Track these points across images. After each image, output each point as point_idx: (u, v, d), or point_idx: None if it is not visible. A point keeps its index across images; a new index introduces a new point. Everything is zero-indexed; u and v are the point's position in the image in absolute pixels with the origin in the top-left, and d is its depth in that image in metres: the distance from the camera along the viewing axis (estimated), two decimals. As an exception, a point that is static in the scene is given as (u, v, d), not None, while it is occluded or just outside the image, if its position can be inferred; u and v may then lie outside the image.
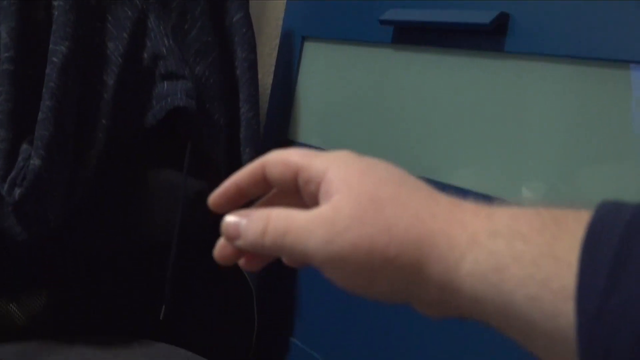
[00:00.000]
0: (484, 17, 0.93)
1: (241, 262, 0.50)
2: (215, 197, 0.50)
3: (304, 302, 1.27)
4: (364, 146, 1.15)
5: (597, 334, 0.33)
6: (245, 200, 0.50)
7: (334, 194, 0.42)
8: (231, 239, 0.46)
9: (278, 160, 0.47)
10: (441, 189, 0.95)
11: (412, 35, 1.08)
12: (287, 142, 1.32)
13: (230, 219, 0.46)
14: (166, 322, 1.18)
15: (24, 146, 1.01)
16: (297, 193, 0.47)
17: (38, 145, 0.98)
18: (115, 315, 1.19)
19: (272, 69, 1.40)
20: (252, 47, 1.24)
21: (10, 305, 1.11)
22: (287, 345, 1.29)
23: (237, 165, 1.22)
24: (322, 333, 1.21)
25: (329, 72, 1.27)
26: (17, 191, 0.99)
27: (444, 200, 0.43)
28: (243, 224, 0.45)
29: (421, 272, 0.40)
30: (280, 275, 1.31)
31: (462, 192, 0.94)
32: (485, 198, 0.93)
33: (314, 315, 1.24)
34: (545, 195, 0.87)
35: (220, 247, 0.48)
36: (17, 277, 1.12)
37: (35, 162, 0.97)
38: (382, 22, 1.10)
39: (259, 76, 1.27)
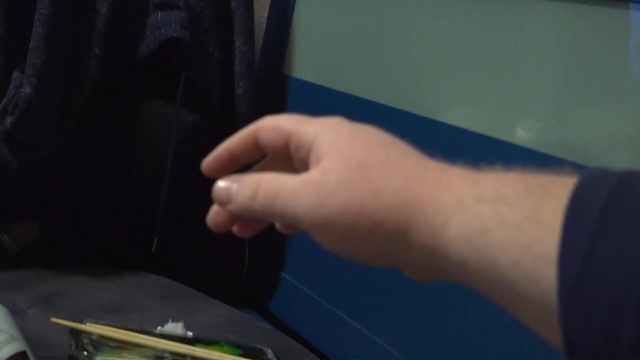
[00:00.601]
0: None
1: (235, 228, 0.51)
2: (208, 162, 0.50)
3: (294, 237, 1.27)
4: (358, 82, 1.15)
5: (577, 298, 0.34)
6: (238, 166, 0.50)
7: (323, 159, 0.43)
8: (222, 203, 0.47)
9: (269, 125, 0.47)
10: (435, 127, 0.94)
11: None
12: (282, 76, 1.31)
13: (221, 184, 0.47)
14: (158, 254, 1.19)
15: (16, 74, 1.00)
16: (290, 159, 0.47)
17: (30, 73, 0.97)
18: (108, 245, 1.20)
19: (268, 1, 1.38)
20: (247, -22, 1.22)
21: (2, 234, 1.11)
22: (277, 280, 1.30)
23: (231, 98, 1.21)
24: (312, 268, 1.22)
25: (325, 6, 1.25)
26: (9, 119, 0.98)
27: (432, 165, 0.43)
28: (234, 189, 0.46)
29: (408, 235, 0.41)
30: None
31: (456, 131, 0.94)
32: (479, 137, 0.93)
33: (304, 250, 1.24)
34: (539, 134, 0.87)
35: (213, 214, 0.49)
36: (9, 207, 1.12)
37: (26, 90, 0.97)
38: (381, -45, 1.08)
39: (254, 8, 1.25)
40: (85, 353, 0.77)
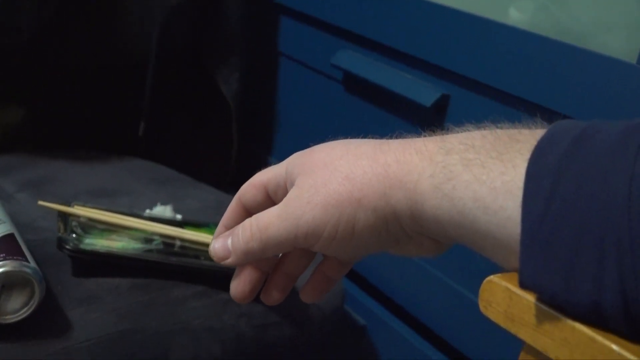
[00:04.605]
0: None
1: (262, 295, 0.53)
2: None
3: (282, 122, 1.27)
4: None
5: (538, 238, 0.36)
6: None
7: (296, 179, 0.47)
8: (224, 259, 0.50)
9: (247, 186, 0.52)
10: (428, 9, 0.92)
11: None
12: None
13: (216, 244, 0.50)
14: (145, 139, 1.18)
15: (-8, -48, 0.96)
16: None
17: (7, -49, 0.94)
18: (94, 130, 1.19)
19: None
20: None
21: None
22: (265, 164, 1.29)
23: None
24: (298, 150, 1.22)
25: None
26: (-13, 0, 0.96)
27: (394, 141, 0.46)
28: (230, 242, 0.49)
29: (390, 205, 0.43)
30: (261, 94, 1.30)
31: (449, 12, 0.91)
32: (472, 18, 0.91)
33: (292, 134, 1.24)
34: (534, 15, 0.85)
35: (236, 286, 0.52)
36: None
37: (4, -31, 0.94)
38: None
39: None
40: (74, 235, 0.77)
